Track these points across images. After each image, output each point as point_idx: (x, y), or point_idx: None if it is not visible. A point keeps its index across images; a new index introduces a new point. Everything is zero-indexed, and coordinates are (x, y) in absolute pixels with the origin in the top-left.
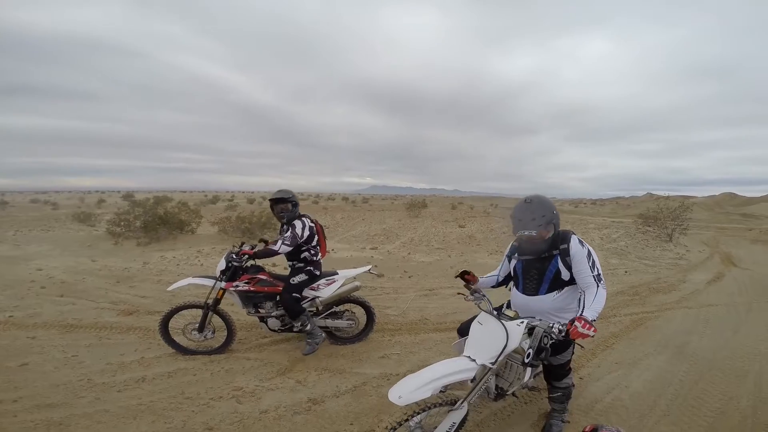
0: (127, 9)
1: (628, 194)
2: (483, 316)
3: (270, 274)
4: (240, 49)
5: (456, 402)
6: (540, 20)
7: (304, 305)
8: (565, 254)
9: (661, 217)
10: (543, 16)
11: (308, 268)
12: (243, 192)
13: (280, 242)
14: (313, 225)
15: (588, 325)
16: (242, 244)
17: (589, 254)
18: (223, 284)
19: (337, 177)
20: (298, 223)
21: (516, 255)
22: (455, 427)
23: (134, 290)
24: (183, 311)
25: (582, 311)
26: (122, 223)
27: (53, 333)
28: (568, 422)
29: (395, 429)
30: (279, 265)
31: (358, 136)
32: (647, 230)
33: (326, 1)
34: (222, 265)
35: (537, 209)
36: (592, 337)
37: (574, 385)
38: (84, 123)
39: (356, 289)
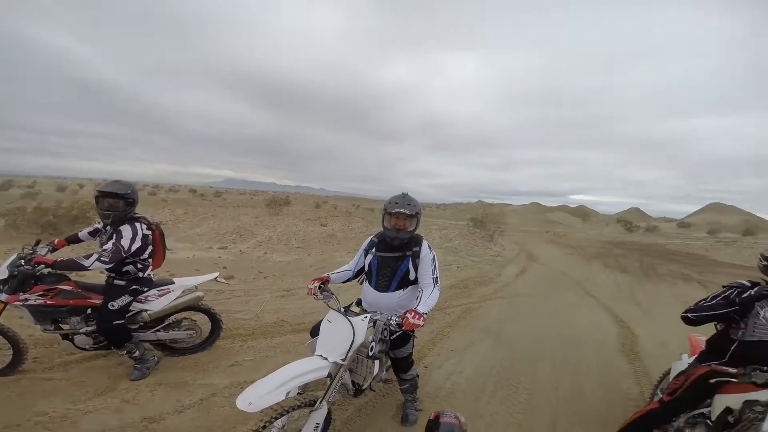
0: None
1: (466, 200)
2: (331, 314)
3: (77, 284)
4: (85, 14)
5: (315, 402)
6: (421, 34)
7: (128, 325)
8: (416, 257)
9: (486, 220)
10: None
11: (132, 287)
12: (52, 178)
13: (94, 257)
14: (149, 233)
15: (418, 316)
16: (37, 243)
17: (434, 259)
18: (4, 297)
19: (185, 167)
20: (126, 231)
21: (374, 250)
22: (320, 428)
23: None
24: None
25: (417, 305)
26: None
27: None
28: (421, 410)
29: None
30: None
31: (219, 125)
32: (476, 232)
33: None
34: (3, 272)
35: (412, 200)
36: (422, 326)
37: (419, 375)
38: None
39: (198, 299)
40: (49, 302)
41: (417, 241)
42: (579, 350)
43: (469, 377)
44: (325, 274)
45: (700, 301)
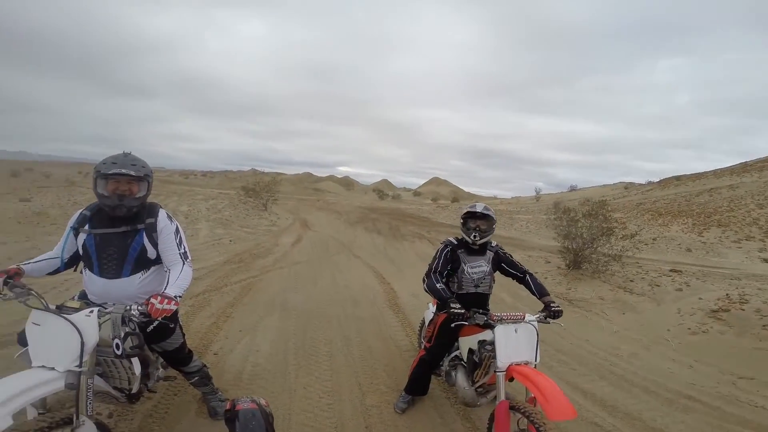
0: None
1: (237, 168)
2: (37, 315)
3: None
4: None
5: (72, 419)
6: None
7: None
8: (152, 229)
9: (258, 189)
10: None
11: None
12: None
13: None
14: None
15: (167, 300)
16: None
17: (177, 230)
18: None
19: None
20: None
21: (87, 227)
22: None
23: None
24: None
25: (165, 288)
26: None
27: None
28: (227, 399)
29: None
30: None
31: None
32: (248, 201)
33: None
34: None
35: (137, 159)
36: (173, 311)
37: (206, 366)
38: None
39: None
40: None
41: (151, 210)
42: (357, 309)
43: (268, 355)
44: (14, 266)
45: (430, 264)
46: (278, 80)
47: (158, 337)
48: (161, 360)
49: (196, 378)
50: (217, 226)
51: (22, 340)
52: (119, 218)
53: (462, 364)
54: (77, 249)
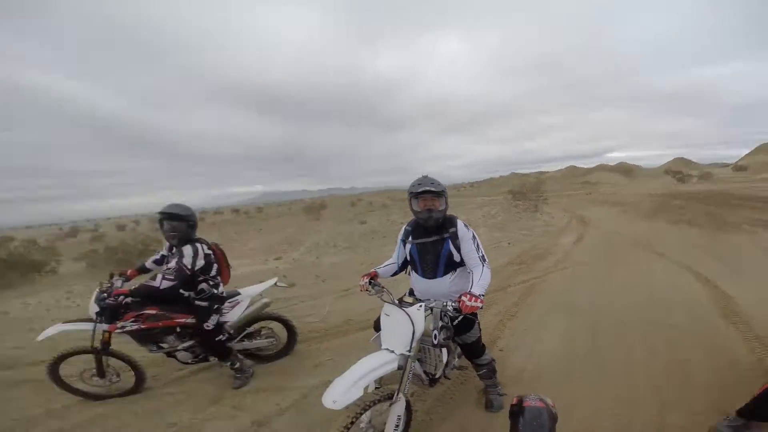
0: None
1: (498, 174)
2: (387, 307)
3: (160, 307)
4: (71, 53)
5: (393, 395)
6: (402, 19)
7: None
8: (455, 237)
9: (525, 191)
10: (404, 16)
11: (215, 305)
12: (108, 219)
13: (160, 277)
14: (210, 252)
15: (474, 298)
16: (111, 277)
17: (474, 237)
18: (105, 326)
19: (222, 188)
20: (188, 250)
21: (410, 238)
22: (403, 419)
23: (4, 343)
24: (71, 358)
25: (471, 288)
26: None
27: None
28: (505, 395)
29: None
30: None
31: (238, 142)
32: (518, 204)
33: (172, 4)
34: (94, 307)
35: (434, 179)
36: (480, 308)
37: (494, 360)
38: None
39: (265, 306)
40: (143, 326)
41: (451, 222)
42: (666, 315)
43: (552, 356)
44: (372, 270)
45: None
46: (503, 85)
47: (462, 330)
48: (458, 350)
49: (484, 370)
50: (494, 230)
51: (377, 326)
52: (431, 229)
53: None
54: (406, 256)
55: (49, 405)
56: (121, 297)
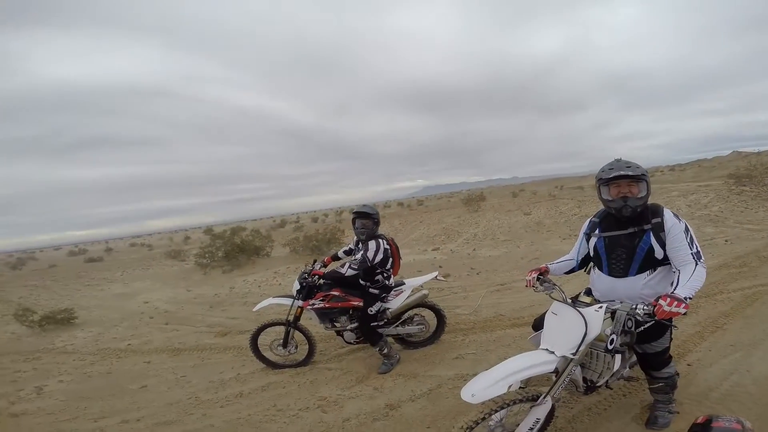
0: (150, 51)
1: (711, 155)
2: (556, 306)
3: (342, 290)
4: (269, 78)
5: (538, 397)
6: None
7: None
8: (659, 229)
9: (757, 174)
10: None
11: (383, 294)
12: (306, 212)
13: (347, 266)
14: (388, 247)
15: (677, 302)
16: (314, 262)
17: (687, 229)
18: (300, 303)
19: (389, 184)
20: (372, 245)
21: (597, 231)
22: (540, 424)
23: (225, 313)
24: (269, 329)
25: (674, 288)
26: (207, 255)
27: (164, 357)
28: (677, 412)
29: (472, 429)
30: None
31: (401, 141)
32: (743, 190)
33: (338, 20)
34: (297, 285)
35: (630, 162)
36: (683, 314)
37: (678, 374)
38: (153, 167)
39: (425, 297)
40: (326, 305)
41: (655, 211)
42: None
43: (762, 377)
44: (543, 265)
45: None
46: (702, 49)
47: (647, 338)
48: (633, 359)
49: (662, 384)
50: (705, 225)
51: (537, 325)
52: (626, 220)
53: None
54: (588, 251)
55: (240, 370)
56: (317, 277)
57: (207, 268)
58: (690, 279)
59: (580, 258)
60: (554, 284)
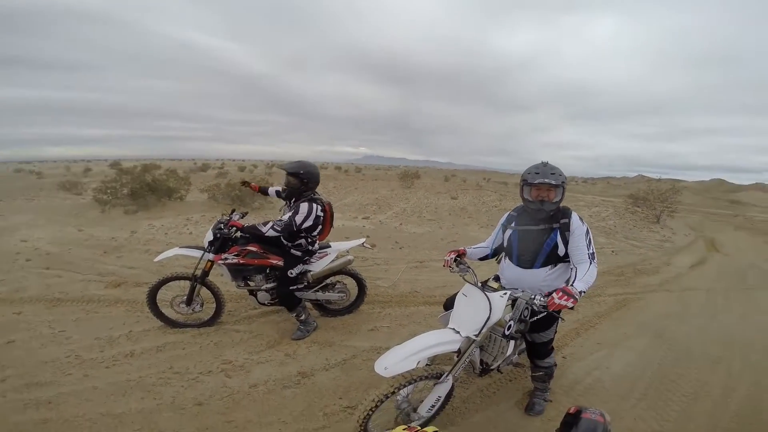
0: None
1: (620, 174)
2: (467, 288)
3: (261, 246)
4: (232, 18)
5: (442, 375)
6: None
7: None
8: (565, 229)
9: (651, 198)
10: None
11: (305, 257)
12: (234, 160)
13: (270, 225)
14: (321, 214)
15: (567, 297)
16: (232, 211)
17: (587, 232)
18: (211, 256)
19: (331, 146)
20: (303, 208)
21: (513, 225)
22: (441, 402)
23: (121, 261)
24: (171, 283)
25: (572, 282)
26: (109, 191)
27: (40, 308)
28: (551, 401)
29: (382, 402)
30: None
31: (352, 106)
32: (636, 210)
33: None
34: (210, 236)
35: (554, 168)
36: (571, 308)
37: (556, 365)
38: (73, 93)
39: (349, 263)
40: (241, 261)
41: (565, 212)
42: None
43: (616, 375)
44: (462, 248)
45: None
46: (657, 76)
47: (537, 328)
48: (523, 346)
49: (542, 373)
50: (600, 235)
51: (448, 305)
52: (540, 218)
53: None
54: (502, 242)
55: (133, 327)
56: (234, 229)
57: (107, 205)
58: (585, 275)
59: (494, 247)
60: (469, 267)
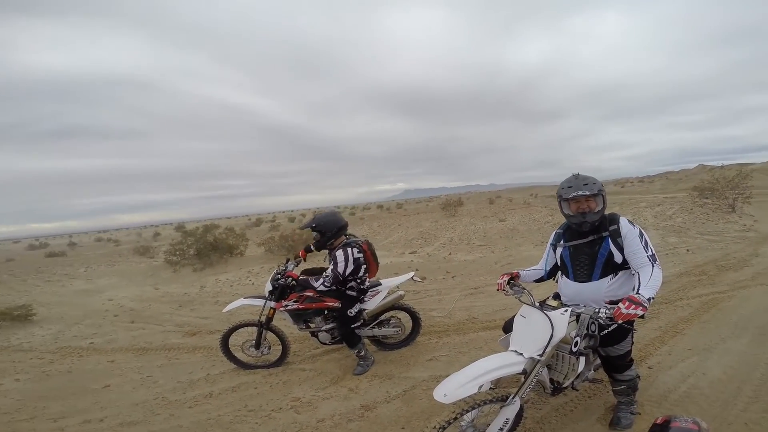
0: (141, 43)
1: (678, 168)
2: (525, 309)
3: (316, 291)
4: (259, 75)
5: (508, 398)
6: (543, 2)
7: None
8: (616, 235)
9: (719, 187)
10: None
11: (361, 296)
12: (283, 212)
13: (320, 282)
14: (360, 256)
15: (635, 305)
16: (287, 261)
17: (641, 234)
18: (273, 304)
19: (370, 186)
20: (339, 257)
21: (562, 242)
22: (509, 424)
23: (195, 312)
24: (240, 329)
25: (637, 289)
26: (177, 253)
27: (129, 356)
28: (639, 414)
29: (444, 429)
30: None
31: (384, 143)
32: (705, 203)
33: (331, 21)
34: (269, 286)
35: (587, 178)
36: (641, 317)
37: (639, 377)
38: (129, 160)
39: (401, 298)
40: (300, 306)
41: (612, 219)
42: None
43: (716, 380)
44: (515, 270)
45: None
46: (693, 57)
47: (610, 341)
48: (597, 362)
49: (624, 386)
50: (669, 235)
51: (507, 328)
52: (586, 231)
53: None
54: (555, 261)
55: (210, 370)
56: (290, 279)
57: (177, 265)
58: (649, 280)
59: (548, 268)
60: (524, 288)
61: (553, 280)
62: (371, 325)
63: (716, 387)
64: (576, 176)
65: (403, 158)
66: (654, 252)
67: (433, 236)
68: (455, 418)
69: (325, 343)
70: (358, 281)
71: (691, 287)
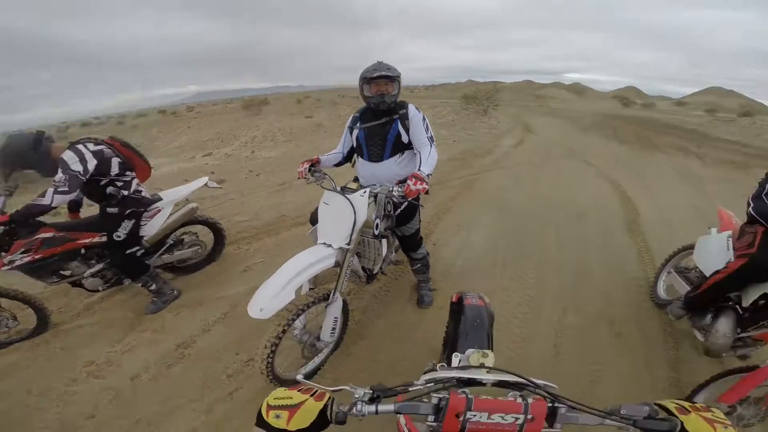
0: None
1: (455, 81)
2: (327, 195)
3: (56, 226)
4: None
5: (329, 296)
6: None
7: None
8: (405, 118)
9: (479, 97)
10: None
11: (127, 211)
12: (3, 132)
13: (50, 191)
14: (99, 147)
15: (418, 181)
16: None
17: (424, 119)
18: None
19: (147, 92)
20: (68, 155)
21: (359, 124)
22: (340, 321)
23: None
24: None
25: (419, 167)
26: None
27: None
28: (435, 290)
29: (276, 344)
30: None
31: (173, 45)
32: (468, 107)
33: None
34: None
35: (389, 65)
36: (425, 190)
37: (429, 254)
38: None
39: (193, 212)
40: (36, 257)
41: (402, 104)
42: (581, 221)
43: (481, 251)
44: (315, 156)
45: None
46: None
47: (402, 221)
48: (396, 243)
49: (420, 264)
50: (442, 128)
51: (314, 219)
52: (381, 113)
53: (734, 308)
54: (352, 143)
55: None
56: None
57: None
58: (428, 158)
59: (346, 150)
60: (325, 174)
61: (351, 165)
62: (160, 252)
63: (482, 258)
64: (380, 62)
65: (201, 59)
66: (432, 135)
67: (233, 136)
68: (284, 331)
69: (97, 290)
70: (118, 183)
71: (455, 170)
